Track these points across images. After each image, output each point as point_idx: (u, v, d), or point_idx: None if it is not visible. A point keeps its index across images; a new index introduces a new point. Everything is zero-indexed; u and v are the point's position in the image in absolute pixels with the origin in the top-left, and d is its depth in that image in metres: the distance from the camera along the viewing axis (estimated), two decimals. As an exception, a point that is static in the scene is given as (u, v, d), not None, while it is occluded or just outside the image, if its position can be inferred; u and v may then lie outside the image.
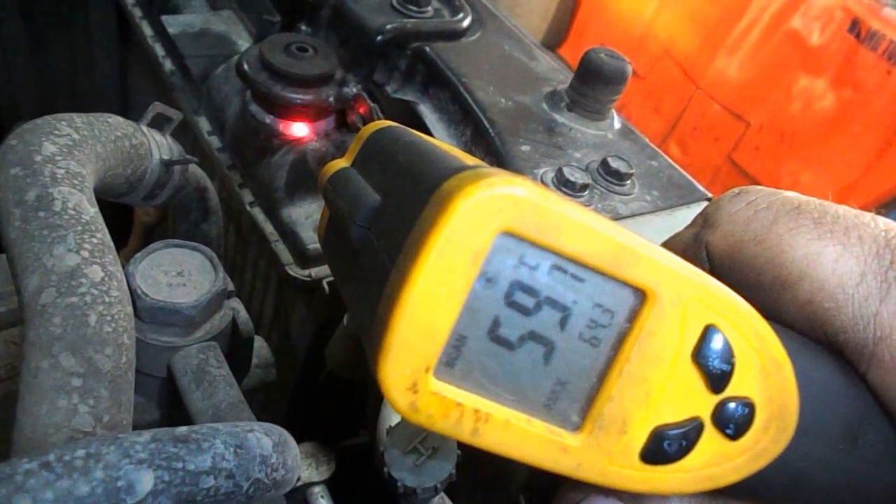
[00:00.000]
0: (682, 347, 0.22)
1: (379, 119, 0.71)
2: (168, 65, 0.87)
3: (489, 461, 0.64)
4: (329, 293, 0.70)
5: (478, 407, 0.22)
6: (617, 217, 0.57)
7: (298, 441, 0.73)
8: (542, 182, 0.58)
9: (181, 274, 0.51)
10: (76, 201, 0.42)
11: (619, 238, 0.21)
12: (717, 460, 0.23)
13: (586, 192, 0.57)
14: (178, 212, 0.65)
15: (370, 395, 0.73)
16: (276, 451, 0.34)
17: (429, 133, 0.66)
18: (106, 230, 0.43)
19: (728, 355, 0.23)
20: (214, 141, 0.80)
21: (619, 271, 0.21)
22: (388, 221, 0.24)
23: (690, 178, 0.65)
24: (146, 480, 0.28)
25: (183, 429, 0.31)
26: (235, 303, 0.54)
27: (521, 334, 0.22)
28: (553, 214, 0.20)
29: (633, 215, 0.57)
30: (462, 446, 0.44)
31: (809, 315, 0.25)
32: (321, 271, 0.71)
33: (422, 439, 0.45)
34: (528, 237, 0.20)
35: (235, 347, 0.55)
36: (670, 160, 0.68)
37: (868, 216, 0.26)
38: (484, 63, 0.70)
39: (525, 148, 0.61)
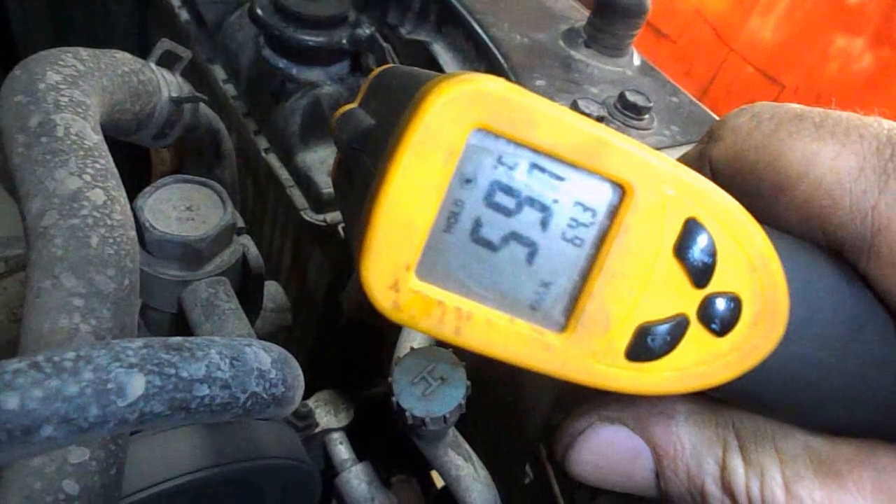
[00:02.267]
0: (662, 242, 0.22)
1: (392, 62, 0.70)
2: (184, 14, 0.87)
3: (503, 410, 0.63)
4: (344, 238, 0.70)
5: (459, 306, 0.22)
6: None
7: (318, 389, 0.73)
8: (557, 115, 0.56)
9: (190, 209, 0.51)
10: (79, 128, 0.42)
11: (594, 131, 0.21)
12: (704, 358, 0.23)
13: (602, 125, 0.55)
14: (191, 154, 0.65)
15: (388, 343, 0.73)
16: (275, 366, 0.34)
17: (442, 72, 0.65)
18: (110, 157, 0.43)
19: (710, 248, 0.22)
20: (230, 89, 0.79)
21: (595, 164, 0.21)
22: (376, 139, 0.24)
23: (713, 114, 0.63)
24: (137, 384, 0.28)
25: (177, 339, 0.31)
26: (246, 239, 0.54)
27: (503, 235, 0.22)
28: (526, 108, 0.20)
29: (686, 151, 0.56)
30: (470, 376, 0.44)
31: (808, 215, 0.25)
32: (336, 217, 0.71)
33: (430, 369, 0.44)
34: (503, 132, 0.20)
35: (246, 284, 0.54)
36: (692, 97, 0.66)
37: (872, 118, 0.25)
38: (499, 1, 0.69)
39: (540, 83, 0.59)
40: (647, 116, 0.59)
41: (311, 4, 0.69)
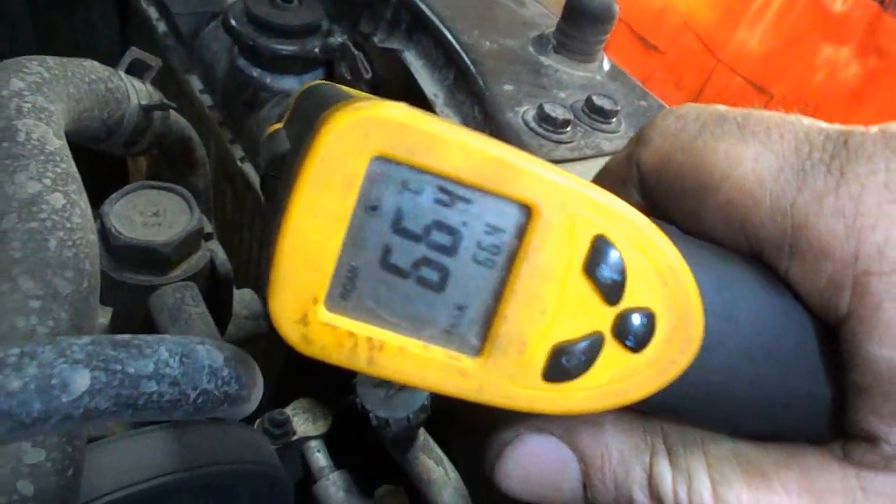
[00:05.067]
0: (572, 261, 0.22)
1: (364, 70, 0.70)
2: (161, 26, 0.87)
3: (484, 409, 0.63)
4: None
5: (371, 335, 0.22)
6: (601, 154, 0.56)
7: (296, 397, 0.73)
8: (523, 119, 0.57)
9: (157, 214, 0.51)
10: (40, 133, 0.43)
11: (494, 152, 0.21)
12: (621, 375, 0.23)
13: (569, 129, 0.56)
14: (163, 162, 0.65)
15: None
16: (229, 364, 0.34)
17: (413, 80, 0.66)
18: (72, 162, 0.43)
19: (619, 264, 0.22)
20: (207, 99, 0.80)
21: (499, 187, 0.21)
22: (288, 166, 0.24)
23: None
24: (82, 380, 0.28)
25: (126, 336, 0.31)
26: (214, 245, 0.54)
27: (413, 261, 0.21)
28: (425, 133, 0.20)
29: (618, 152, 0.56)
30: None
31: (731, 216, 0.25)
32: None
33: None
34: (402, 159, 0.20)
35: (215, 289, 0.55)
36: (662, 101, 0.66)
37: (793, 116, 0.25)
38: (469, 9, 0.69)
39: (508, 87, 0.60)
40: (614, 120, 0.59)
41: (284, 14, 0.70)
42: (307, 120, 0.23)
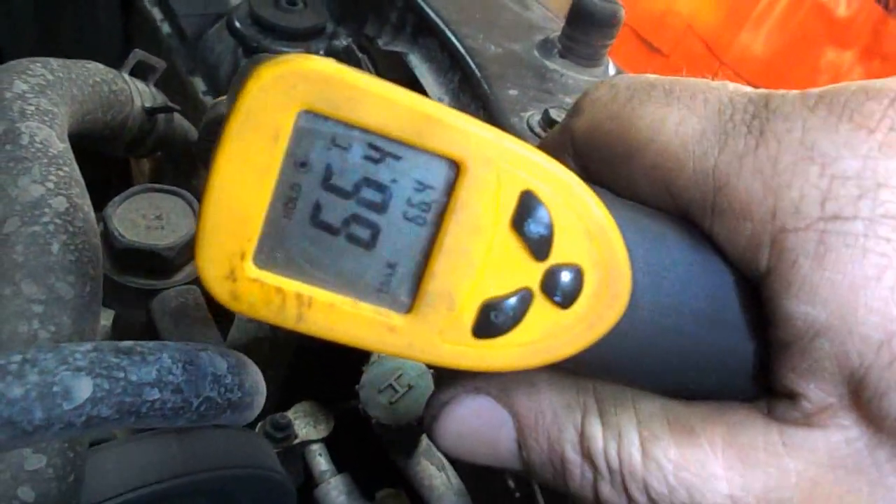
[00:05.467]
0: (499, 216, 0.22)
1: (369, 72, 0.70)
2: (165, 27, 0.87)
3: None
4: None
5: (300, 291, 0.22)
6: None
7: (298, 400, 0.73)
8: (528, 124, 0.56)
9: (160, 217, 0.51)
10: (44, 136, 0.42)
11: (422, 107, 0.21)
12: (551, 331, 0.23)
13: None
14: (166, 165, 0.65)
15: (369, 355, 0.73)
16: (231, 371, 0.34)
17: (418, 82, 0.65)
18: (75, 165, 0.43)
19: (547, 220, 0.22)
20: (210, 101, 0.79)
21: (426, 142, 0.21)
22: (220, 127, 0.24)
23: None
24: (84, 387, 0.28)
25: (129, 343, 0.31)
26: (217, 248, 0.54)
27: (343, 218, 0.21)
28: (352, 87, 0.20)
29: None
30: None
31: (656, 179, 0.25)
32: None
33: (398, 377, 0.44)
34: (330, 113, 0.20)
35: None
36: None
37: (719, 82, 0.26)
38: (475, 12, 0.69)
39: (513, 92, 0.60)
40: (619, 125, 0.59)
41: (289, 16, 0.69)
42: (239, 80, 0.23)
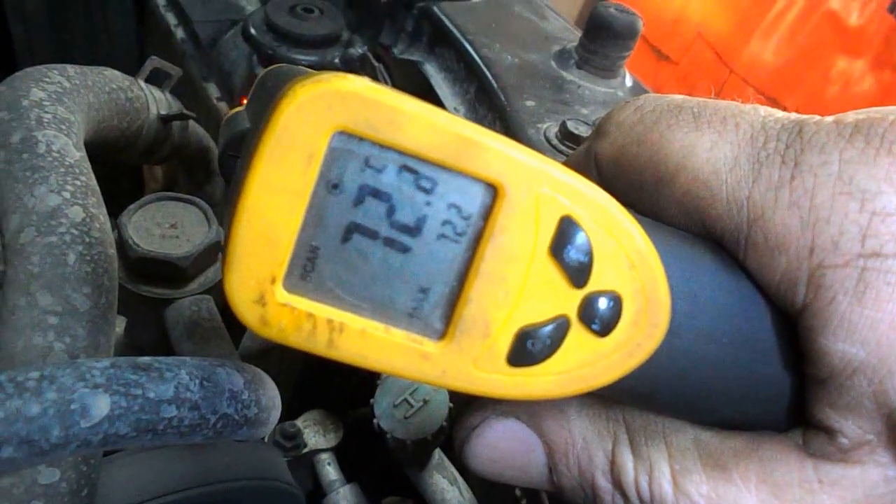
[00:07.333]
0: (538, 242, 0.21)
1: (384, 82, 0.70)
2: (179, 33, 0.87)
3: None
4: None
5: (331, 317, 0.21)
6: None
7: (307, 409, 0.72)
8: (545, 136, 0.56)
9: (174, 226, 0.50)
10: (61, 145, 0.42)
11: (460, 130, 0.20)
12: (588, 359, 0.22)
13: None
14: (180, 172, 0.65)
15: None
16: (248, 387, 0.33)
17: (433, 92, 0.65)
18: (92, 174, 0.43)
19: (586, 246, 0.21)
20: (223, 107, 0.79)
21: (464, 165, 0.20)
22: (248, 144, 0.23)
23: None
24: (102, 405, 0.28)
25: (147, 358, 0.31)
26: (231, 258, 0.54)
27: (375, 241, 0.21)
28: (389, 108, 0.19)
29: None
30: (453, 398, 0.43)
31: (687, 207, 0.25)
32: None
33: (413, 391, 0.43)
34: (365, 135, 0.20)
35: (231, 302, 0.54)
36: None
37: (749, 106, 0.25)
38: (491, 22, 0.69)
39: (530, 103, 0.59)
40: (637, 137, 0.58)
41: (304, 24, 0.69)
42: (268, 97, 0.22)
